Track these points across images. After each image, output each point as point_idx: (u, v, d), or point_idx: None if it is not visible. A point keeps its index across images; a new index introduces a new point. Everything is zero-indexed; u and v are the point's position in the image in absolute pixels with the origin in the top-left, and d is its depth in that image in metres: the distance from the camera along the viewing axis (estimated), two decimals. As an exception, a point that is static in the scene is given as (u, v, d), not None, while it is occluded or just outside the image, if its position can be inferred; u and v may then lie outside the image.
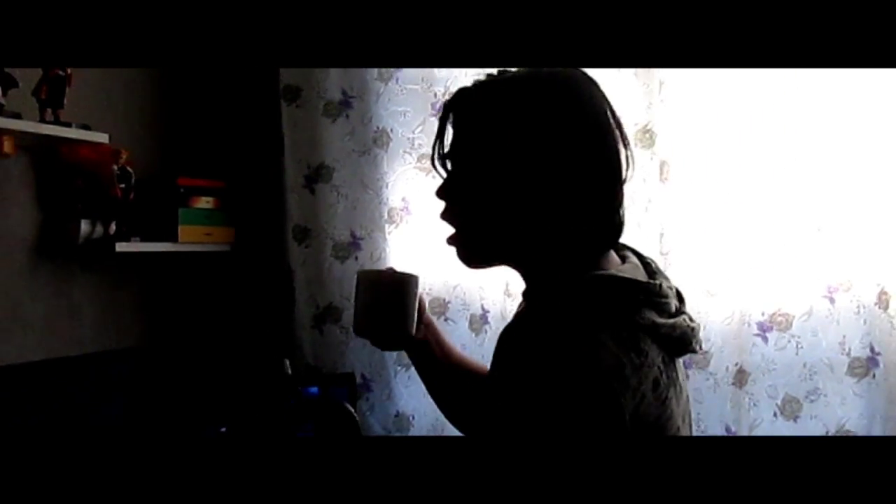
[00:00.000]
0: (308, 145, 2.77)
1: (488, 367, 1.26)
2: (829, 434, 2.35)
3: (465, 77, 1.19)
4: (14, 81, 2.14)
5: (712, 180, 2.44)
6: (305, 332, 2.79)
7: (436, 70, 2.64)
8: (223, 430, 2.58)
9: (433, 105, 2.61)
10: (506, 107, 1.09)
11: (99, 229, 2.44)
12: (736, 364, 2.41)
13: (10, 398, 2.13)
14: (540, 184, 1.07)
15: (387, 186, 2.71)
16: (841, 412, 2.35)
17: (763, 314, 2.41)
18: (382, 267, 2.46)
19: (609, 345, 1.00)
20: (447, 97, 1.16)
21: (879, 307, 2.30)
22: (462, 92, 1.13)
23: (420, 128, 2.66)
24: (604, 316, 1.04)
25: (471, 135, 1.11)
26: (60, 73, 2.22)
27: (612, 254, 1.14)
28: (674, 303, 1.12)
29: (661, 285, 1.11)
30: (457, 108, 1.13)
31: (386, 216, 2.71)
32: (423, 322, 1.36)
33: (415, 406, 2.68)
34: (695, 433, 2.40)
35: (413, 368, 1.46)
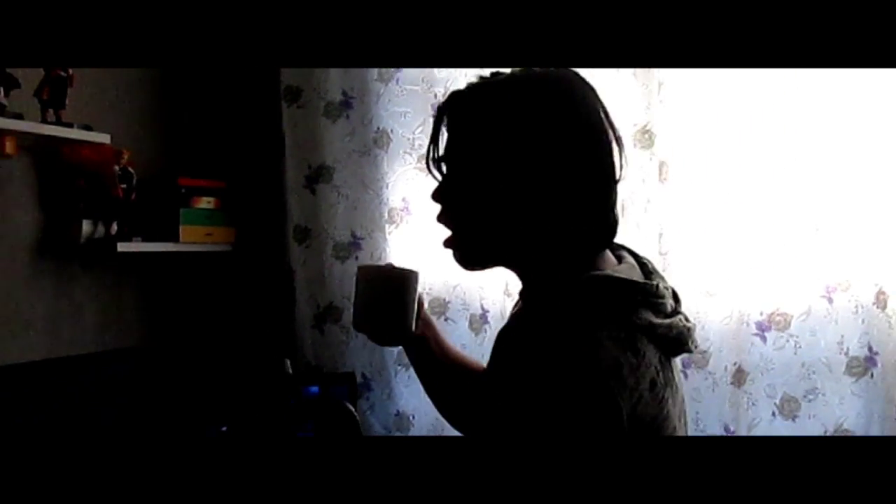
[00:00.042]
0: (309, 146, 2.77)
1: (485, 365, 1.27)
2: (828, 433, 2.35)
3: (465, 78, 1.19)
4: (16, 82, 2.14)
5: (711, 181, 2.44)
6: (306, 332, 2.79)
7: (436, 71, 2.65)
8: (224, 429, 2.58)
9: (433, 106, 2.60)
10: (499, 109, 1.09)
11: (100, 229, 2.45)
12: (734, 363, 2.41)
13: (12, 397, 2.13)
14: (534, 184, 1.07)
15: (387, 187, 2.72)
16: (839, 411, 2.35)
17: (762, 314, 2.40)
18: (382, 267, 2.46)
19: (607, 345, 1.00)
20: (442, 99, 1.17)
21: (877, 307, 2.30)
22: (455, 95, 1.13)
23: (420, 128, 2.67)
24: (601, 316, 1.04)
25: (465, 137, 1.12)
26: (62, 73, 2.23)
27: (609, 254, 1.15)
28: (670, 303, 1.12)
29: (657, 286, 1.11)
30: (450, 111, 1.13)
31: (386, 216, 2.72)
32: (422, 319, 1.36)
33: (415, 405, 2.69)
34: (694, 432, 2.42)
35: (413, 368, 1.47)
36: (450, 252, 1.17)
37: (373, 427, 2.73)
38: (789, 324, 2.39)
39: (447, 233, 1.16)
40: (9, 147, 2.19)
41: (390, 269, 1.34)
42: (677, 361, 1.15)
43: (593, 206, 1.09)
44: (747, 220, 2.41)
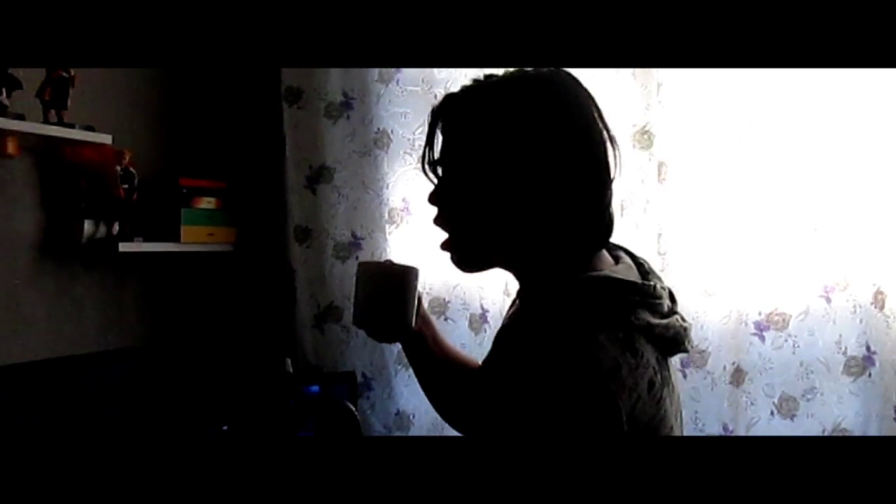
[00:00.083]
0: (309, 146, 2.78)
1: (481, 363, 1.28)
2: (826, 432, 2.35)
3: (465, 78, 1.20)
4: (18, 83, 2.14)
5: (710, 181, 2.45)
6: (307, 332, 2.80)
7: (436, 72, 2.66)
8: (225, 428, 2.59)
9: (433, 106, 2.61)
10: (493, 110, 1.09)
11: (102, 229, 2.45)
12: (733, 363, 2.42)
13: (15, 396, 2.13)
14: (529, 185, 1.07)
15: (387, 187, 2.73)
16: (837, 410, 2.36)
17: (760, 314, 2.41)
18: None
19: (606, 346, 1.01)
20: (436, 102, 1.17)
21: (875, 307, 2.31)
22: (449, 98, 1.14)
23: (420, 129, 2.67)
24: (600, 317, 1.04)
25: (460, 140, 1.12)
26: (64, 74, 2.23)
27: (605, 254, 1.15)
28: (667, 303, 1.13)
29: (655, 286, 1.11)
30: (445, 113, 1.14)
31: (386, 216, 2.73)
32: (420, 315, 1.37)
33: (415, 405, 2.70)
34: (693, 431, 2.43)
35: (413, 367, 1.47)
36: (448, 254, 1.17)
37: (373, 426, 2.74)
38: (788, 323, 2.39)
39: (442, 238, 1.17)
40: (11, 147, 2.19)
41: (391, 265, 1.34)
42: (674, 360, 1.16)
43: (589, 206, 1.09)
44: (746, 220, 2.41)
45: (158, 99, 2.82)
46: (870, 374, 2.33)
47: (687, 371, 2.44)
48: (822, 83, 2.35)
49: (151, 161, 2.69)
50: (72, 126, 2.27)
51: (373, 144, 2.73)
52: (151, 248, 2.58)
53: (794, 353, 2.39)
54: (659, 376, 1.06)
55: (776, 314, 2.40)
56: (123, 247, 2.46)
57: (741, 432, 2.41)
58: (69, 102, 2.26)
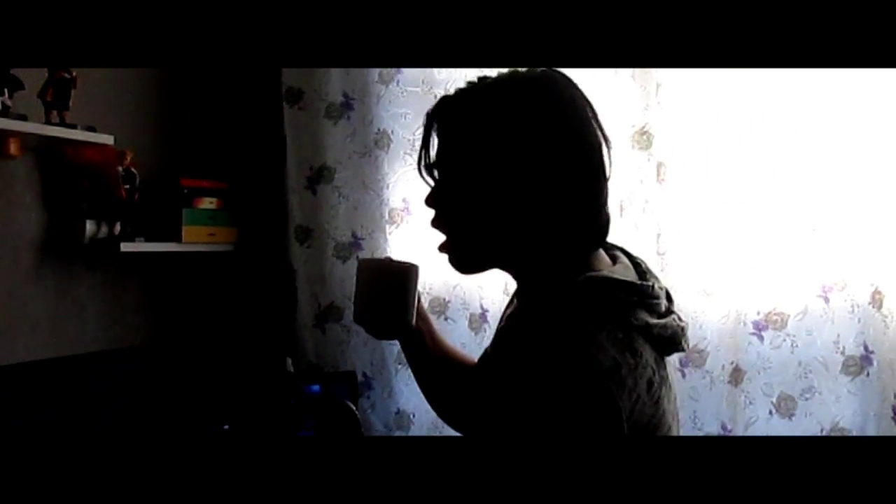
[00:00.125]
0: (310, 147, 2.79)
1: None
2: (824, 431, 2.36)
3: (465, 79, 1.20)
4: (20, 84, 2.15)
5: (709, 181, 2.45)
6: (307, 331, 2.81)
7: (436, 73, 2.66)
8: (226, 427, 2.59)
9: (433, 107, 2.62)
10: (487, 112, 1.10)
11: (104, 229, 2.46)
12: (732, 362, 2.43)
13: (17, 396, 2.14)
14: (525, 185, 1.08)
15: (387, 187, 2.74)
16: (835, 410, 2.36)
17: (759, 313, 2.42)
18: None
19: (606, 346, 1.01)
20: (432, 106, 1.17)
21: (873, 306, 2.31)
22: (444, 100, 1.15)
23: (420, 130, 2.67)
24: (600, 317, 1.05)
25: (455, 142, 1.13)
26: (66, 75, 2.23)
27: (603, 253, 1.16)
28: (664, 302, 1.13)
29: (653, 286, 1.12)
30: (440, 116, 1.15)
31: (387, 216, 2.74)
32: (418, 313, 1.37)
33: (415, 404, 2.71)
34: (691, 431, 2.44)
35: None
36: (445, 257, 1.18)
37: (373, 425, 2.74)
38: (786, 323, 2.40)
39: (440, 240, 1.18)
40: (13, 148, 2.20)
41: (391, 262, 1.35)
42: (673, 360, 1.16)
43: (584, 205, 1.10)
44: (744, 220, 2.42)
45: (160, 100, 2.83)
46: (868, 374, 2.34)
47: (686, 370, 2.45)
48: (820, 84, 2.36)
49: (153, 161, 2.70)
50: (74, 127, 2.27)
51: (373, 145, 2.74)
52: (153, 248, 2.58)
53: (792, 352, 2.40)
54: (657, 376, 1.07)
55: (775, 314, 2.41)
56: (125, 247, 2.46)
57: (740, 431, 2.42)
58: (71, 103, 2.26)
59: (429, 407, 1.48)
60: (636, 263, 1.18)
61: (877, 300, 2.31)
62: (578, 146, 1.09)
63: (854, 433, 2.35)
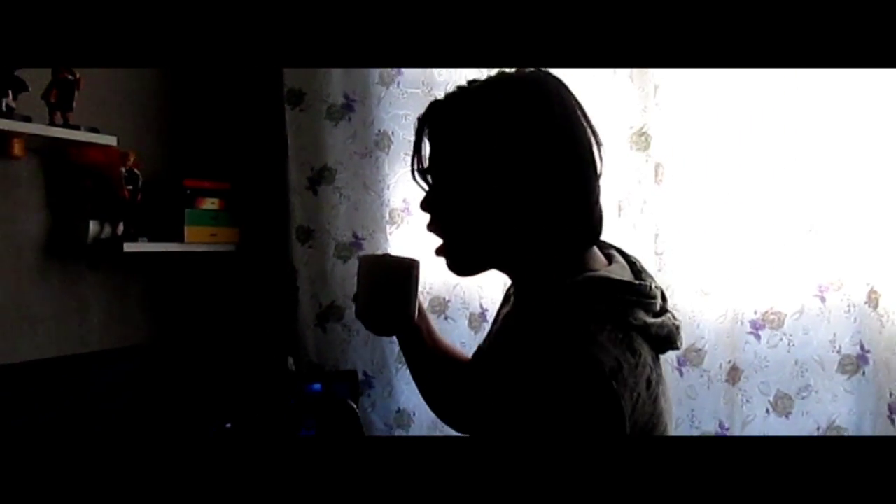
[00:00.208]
0: (311, 148, 2.80)
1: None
2: (820, 430, 2.38)
3: (464, 81, 1.21)
4: (24, 85, 2.16)
5: (706, 182, 2.47)
6: (309, 331, 2.82)
7: (436, 74, 2.68)
8: (228, 425, 2.60)
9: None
10: (476, 114, 1.10)
11: (107, 230, 2.47)
12: (729, 361, 2.44)
13: (21, 394, 2.15)
14: (517, 185, 1.08)
15: (388, 188, 2.75)
16: (832, 408, 2.38)
17: (756, 313, 2.43)
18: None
19: (608, 347, 1.01)
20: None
21: (869, 306, 2.33)
22: (434, 105, 1.15)
23: (420, 130, 2.69)
24: (600, 317, 1.05)
25: (446, 146, 1.13)
26: (70, 77, 2.24)
27: (598, 252, 1.16)
28: (659, 302, 1.14)
29: (650, 286, 1.13)
30: (431, 121, 1.14)
31: (387, 217, 2.75)
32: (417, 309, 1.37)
33: (416, 402, 2.71)
34: (689, 429, 2.44)
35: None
36: (442, 260, 1.19)
37: (374, 424, 2.76)
38: (783, 322, 2.41)
39: (437, 243, 1.19)
40: (17, 149, 2.21)
41: (392, 258, 1.36)
42: (671, 359, 1.17)
43: (576, 202, 1.10)
44: (742, 220, 2.43)
45: (162, 101, 2.84)
46: (864, 373, 2.36)
47: (683, 369, 2.46)
48: (817, 85, 2.37)
49: (156, 162, 2.71)
50: (77, 128, 2.28)
51: (374, 146, 2.75)
52: (155, 248, 2.59)
53: (789, 351, 2.41)
54: (655, 374, 1.08)
55: (771, 313, 2.42)
56: (128, 247, 2.47)
57: (737, 430, 2.43)
58: (75, 104, 2.27)
59: (429, 406, 1.49)
60: (631, 262, 1.19)
61: (873, 300, 2.32)
62: (568, 144, 1.09)
63: (850, 431, 2.37)
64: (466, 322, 2.68)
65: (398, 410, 2.76)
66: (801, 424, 2.39)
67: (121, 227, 2.49)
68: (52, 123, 2.25)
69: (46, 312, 2.42)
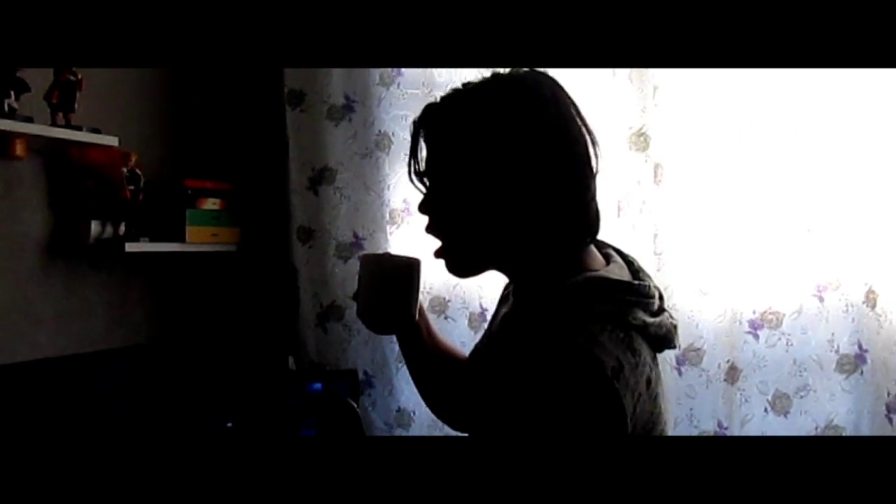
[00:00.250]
0: (312, 148, 2.80)
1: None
2: (819, 429, 2.38)
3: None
4: (26, 86, 2.17)
5: (705, 183, 2.47)
6: (309, 330, 2.82)
7: (436, 75, 2.68)
8: (229, 425, 2.61)
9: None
10: (471, 115, 1.11)
11: (109, 230, 2.47)
12: (728, 361, 2.45)
13: (23, 394, 2.16)
14: (513, 184, 1.08)
15: (388, 188, 2.76)
16: (830, 408, 2.39)
17: (754, 312, 2.44)
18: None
19: (609, 347, 1.02)
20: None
21: (867, 305, 2.34)
22: (429, 108, 1.15)
23: (421, 131, 2.69)
24: (600, 317, 1.06)
25: (442, 148, 1.14)
26: (71, 77, 2.25)
27: (596, 252, 1.16)
28: (657, 301, 1.15)
29: (649, 285, 1.13)
30: (426, 124, 1.15)
31: (388, 217, 2.76)
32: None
33: (416, 402, 2.71)
34: (687, 428, 2.45)
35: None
36: (442, 261, 1.19)
37: (374, 423, 2.76)
38: (781, 322, 2.42)
39: (435, 246, 1.19)
40: (19, 149, 2.22)
41: (394, 256, 1.36)
42: (670, 359, 1.17)
43: (572, 200, 1.10)
44: (740, 220, 2.44)
45: (164, 102, 2.84)
46: (862, 372, 2.36)
47: (682, 369, 2.47)
48: (816, 85, 2.38)
49: (157, 163, 2.71)
50: (79, 128, 2.29)
51: (374, 146, 2.76)
52: (157, 249, 2.59)
53: (787, 351, 2.42)
54: (654, 373, 1.09)
55: (770, 313, 2.43)
56: (129, 247, 2.47)
57: (735, 429, 2.44)
58: (76, 105, 2.28)
59: (429, 405, 1.50)
60: (629, 262, 1.19)
61: (870, 299, 2.33)
62: (562, 143, 1.09)
63: (848, 431, 2.37)
64: (466, 322, 2.69)
65: (398, 410, 2.76)
66: (799, 424, 2.40)
67: (122, 228, 2.50)
68: (53, 124, 2.25)
69: (48, 312, 2.43)
